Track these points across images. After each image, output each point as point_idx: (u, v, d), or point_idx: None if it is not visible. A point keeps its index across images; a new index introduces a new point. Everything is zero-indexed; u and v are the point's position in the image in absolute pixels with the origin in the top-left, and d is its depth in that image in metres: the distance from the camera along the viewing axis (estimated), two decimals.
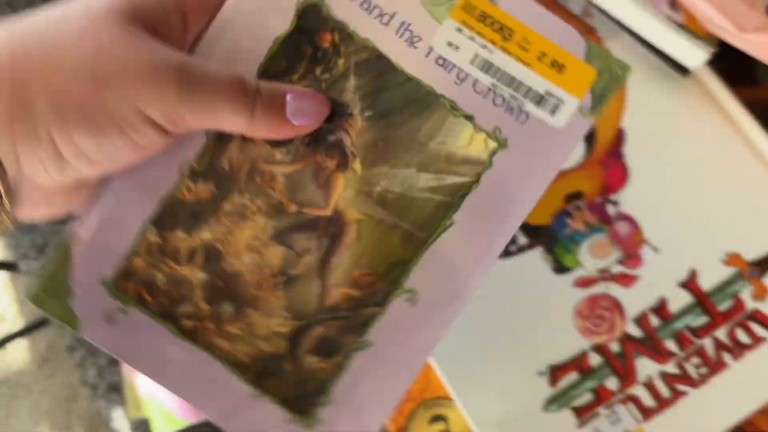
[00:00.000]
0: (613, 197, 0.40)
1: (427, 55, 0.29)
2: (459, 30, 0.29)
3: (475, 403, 0.39)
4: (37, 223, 0.58)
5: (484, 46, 0.29)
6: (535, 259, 0.40)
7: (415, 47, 0.29)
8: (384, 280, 0.29)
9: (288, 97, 0.28)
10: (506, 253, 0.39)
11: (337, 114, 0.29)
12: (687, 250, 0.40)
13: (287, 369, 0.29)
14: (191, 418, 0.51)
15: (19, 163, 0.25)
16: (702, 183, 0.40)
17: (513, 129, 0.29)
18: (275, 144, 0.29)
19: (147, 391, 0.51)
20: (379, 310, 0.29)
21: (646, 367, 0.39)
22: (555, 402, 0.39)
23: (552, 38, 0.29)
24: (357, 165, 0.29)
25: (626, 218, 0.40)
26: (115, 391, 0.56)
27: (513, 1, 0.29)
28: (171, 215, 0.29)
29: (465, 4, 0.29)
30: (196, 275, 0.29)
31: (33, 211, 0.27)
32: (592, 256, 0.40)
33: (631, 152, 0.41)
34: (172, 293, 0.29)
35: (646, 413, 0.38)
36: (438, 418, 0.41)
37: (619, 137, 0.41)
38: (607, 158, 0.40)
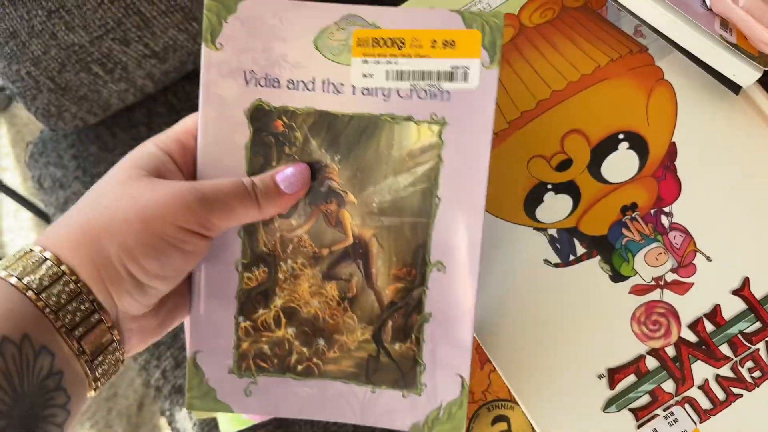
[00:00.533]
0: (666, 209, 0.42)
1: (353, 93, 0.36)
2: (365, 62, 0.36)
3: (537, 404, 0.40)
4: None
5: (389, 62, 0.36)
6: (594, 267, 0.42)
7: (342, 92, 0.36)
8: (415, 265, 0.37)
9: (277, 179, 0.36)
10: (566, 263, 0.42)
11: (317, 170, 0.37)
12: (739, 260, 0.41)
13: (384, 361, 0.38)
14: (255, 418, 0.55)
15: (114, 301, 0.33)
16: (752, 195, 0.41)
17: (444, 108, 0.36)
18: (287, 216, 0.37)
19: None
20: (423, 289, 0.37)
21: (701, 370, 0.40)
22: (614, 403, 0.40)
23: (432, 26, 0.35)
24: (351, 197, 0.37)
25: (679, 229, 0.41)
26: (179, 392, 0.57)
27: (388, 18, 0.35)
28: (248, 303, 0.38)
29: (358, 41, 0.36)
30: (287, 332, 0.38)
31: (134, 344, 0.36)
32: (648, 264, 0.41)
33: (683, 166, 0.42)
34: (278, 353, 0.38)
35: (703, 415, 0.40)
36: (500, 419, 0.43)
37: (671, 151, 0.42)
38: (661, 171, 0.42)
